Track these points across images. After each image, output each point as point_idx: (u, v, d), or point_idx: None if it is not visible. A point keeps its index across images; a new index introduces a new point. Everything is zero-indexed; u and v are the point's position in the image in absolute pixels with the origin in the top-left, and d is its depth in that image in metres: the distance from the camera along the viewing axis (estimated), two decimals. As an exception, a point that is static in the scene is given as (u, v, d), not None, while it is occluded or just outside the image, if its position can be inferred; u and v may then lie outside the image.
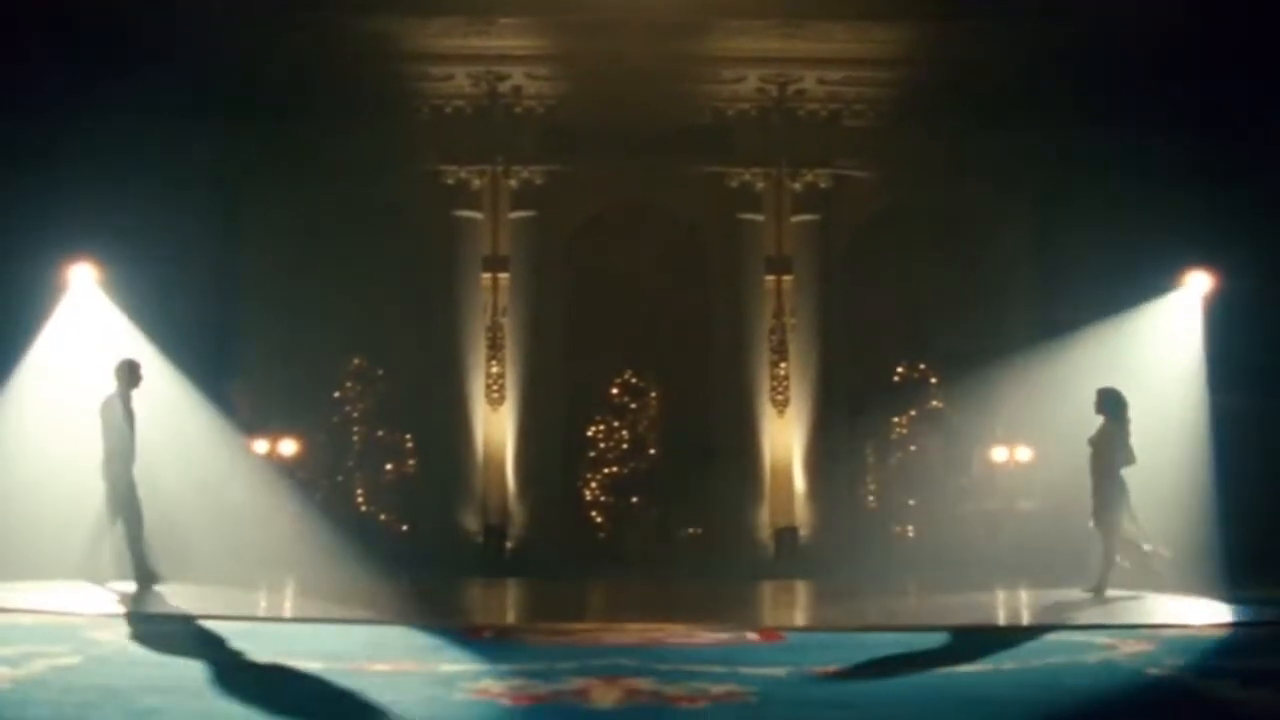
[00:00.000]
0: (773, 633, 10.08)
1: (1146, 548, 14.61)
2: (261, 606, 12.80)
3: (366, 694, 6.97)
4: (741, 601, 14.30)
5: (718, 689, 7.14)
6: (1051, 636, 10.25)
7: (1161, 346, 18.86)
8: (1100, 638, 9.81)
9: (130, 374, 15.04)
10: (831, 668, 8.02)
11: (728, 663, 8.11)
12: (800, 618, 13.02)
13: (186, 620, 11.00)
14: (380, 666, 7.96)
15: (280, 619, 11.29)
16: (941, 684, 7.72)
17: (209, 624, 10.48)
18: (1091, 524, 14.93)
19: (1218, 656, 9.19)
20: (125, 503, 14.68)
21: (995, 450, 20.49)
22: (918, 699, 7.26)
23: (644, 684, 7.26)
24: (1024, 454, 20.18)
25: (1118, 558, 14.71)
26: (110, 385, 14.95)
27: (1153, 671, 8.26)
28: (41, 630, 9.85)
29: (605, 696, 6.87)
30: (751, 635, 9.89)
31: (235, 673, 7.94)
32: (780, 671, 7.82)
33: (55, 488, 15.61)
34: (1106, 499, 14.71)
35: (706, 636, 9.75)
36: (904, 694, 7.41)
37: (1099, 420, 14.97)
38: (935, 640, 9.87)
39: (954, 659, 8.79)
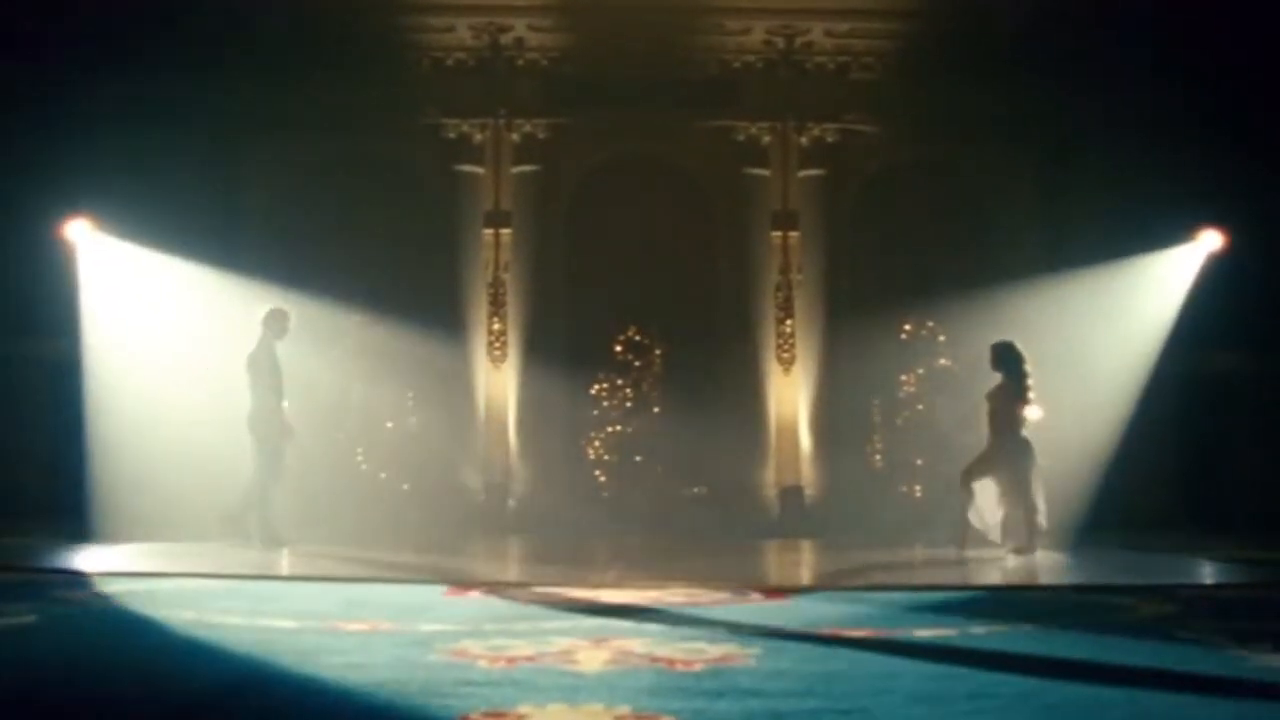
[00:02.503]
0: (777, 592, 9.36)
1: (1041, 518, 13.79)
2: (243, 564, 12.03)
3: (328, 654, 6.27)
4: (745, 561, 13.58)
5: (716, 650, 6.47)
6: (1066, 596, 9.52)
7: (1167, 302, 18.48)
8: (1118, 598, 9.10)
9: (279, 323, 14.51)
10: (837, 629, 7.31)
11: (728, 623, 7.43)
12: (805, 576, 12.27)
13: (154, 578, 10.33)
14: (356, 626, 7.28)
15: (256, 577, 10.53)
16: (959, 644, 7.01)
17: (181, 583, 9.77)
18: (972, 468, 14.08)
19: (1247, 619, 8.47)
20: (275, 458, 14.21)
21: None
22: (931, 659, 6.56)
23: (636, 645, 6.58)
24: (1034, 412, 19.38)
25: (985, 517, 13.98)
26: (257, 335, 14.53)
27: (1183, 635, 7.55)
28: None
29: (592, 659, 6.18)
30: (755, 595, 9.17)
31: (192, 632, 7.25)
32: (783, 631, 7.12)
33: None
34: (1003, 459, 13.88)
35: (707, 596, 9.06)
36: (917, 654, 6.69)
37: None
38: (946, 599, 9.17)
39: (968, 618, 8.07)
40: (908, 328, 20.56)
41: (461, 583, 9.71)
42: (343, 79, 19.48)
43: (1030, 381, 14.11)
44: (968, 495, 13.82)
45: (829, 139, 20.49)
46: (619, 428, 20.53)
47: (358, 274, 19.43)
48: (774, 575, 12.11)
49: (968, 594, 9.72)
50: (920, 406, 20.51)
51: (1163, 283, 18.67)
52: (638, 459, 20.39)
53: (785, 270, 20.23)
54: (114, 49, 18.86)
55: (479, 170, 20.26)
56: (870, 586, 10.33)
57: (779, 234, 20.35)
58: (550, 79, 20.38)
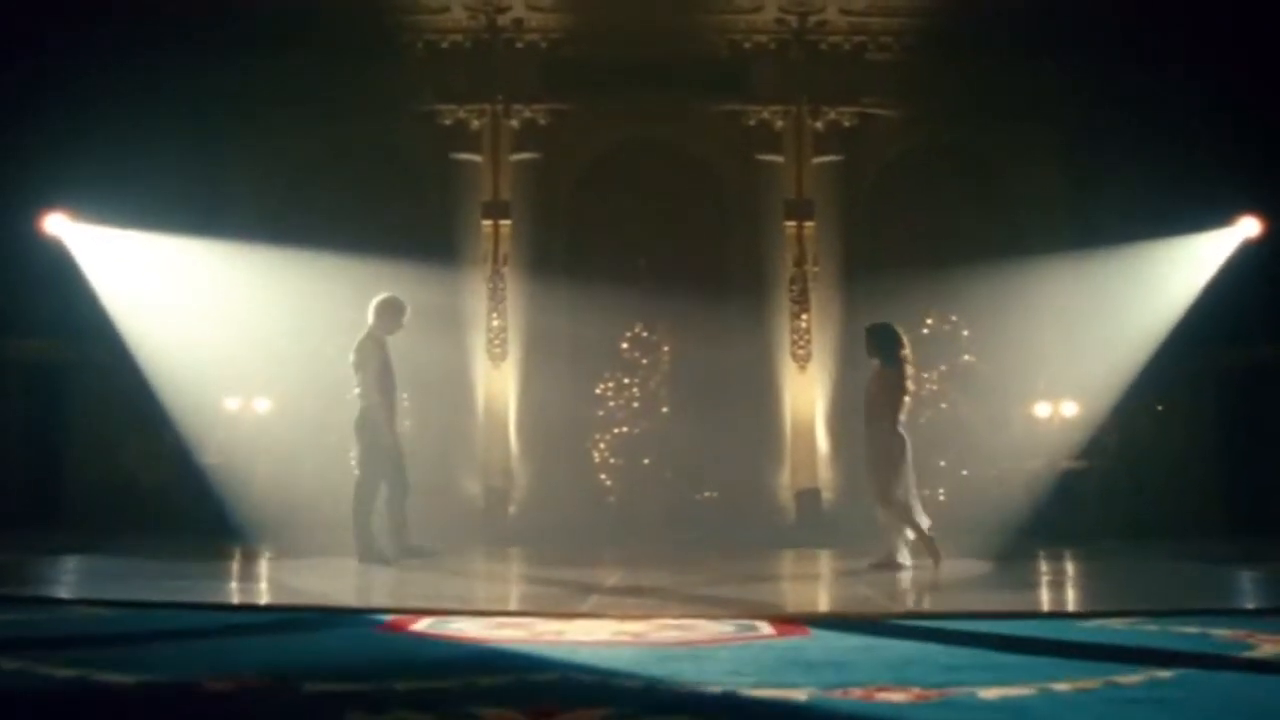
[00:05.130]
0: (792, 623, 7.01)
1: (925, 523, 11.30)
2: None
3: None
4: (757, 576, 11.13)
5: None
6: (1144, 627, 7.15)
7: (1201, 291, 16.66)
8: (1219, 629, 6.78)
9: (392, 313, 12.12)
10: (870, 689, 4.96)
11: (728, 677, 5.13)
12: (824, 599, 9.84)
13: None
14: (218, 686, 4.95)
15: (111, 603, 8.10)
16: (1044, 713, 4.68)
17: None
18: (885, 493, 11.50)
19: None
20: (385, 465, 11.79)
21: (1038, 406, 17.73)
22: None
23: (587, 725, 4.26)
24: (1070, 409, 17.37)
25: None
26: (366, 325, 12.16)
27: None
28: None
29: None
30: (765, 627, 6.83)
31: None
32: (800, 695, 4.81)
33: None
34: (880, 458, 11.29)
35: (704, 630, 6.74)
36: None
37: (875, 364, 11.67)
38: (1002, 630, 6.86)
39: (1040, 662, 5.76)
40: (929, 322, 18.49)
41: (408, 610, 7.37)
42: (332, 62, 17.80)
43: (910, 369, 11.61)
44: (892, 510, 11.37)
45: (845, 123, 18.68)
46: (626, 429, 18.63)
47: (348, 269, 17.16)
48: (788, 598, 9.67)
49: (1023, 622, 7.37)
50: (943, 405, 18.43)
51: (1198, 270, 16.81)
52: (645, 462, 18.51)
53: (800, 262, 18.41)
54: (93, 28, 16.92)
55: (476, 158, 18.46)
56: (907, 615, 7.97)
57: (793, 224, 18.54)
58: (550, 62, 18.54)
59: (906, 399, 11.50)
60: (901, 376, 11.40)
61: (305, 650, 6.18)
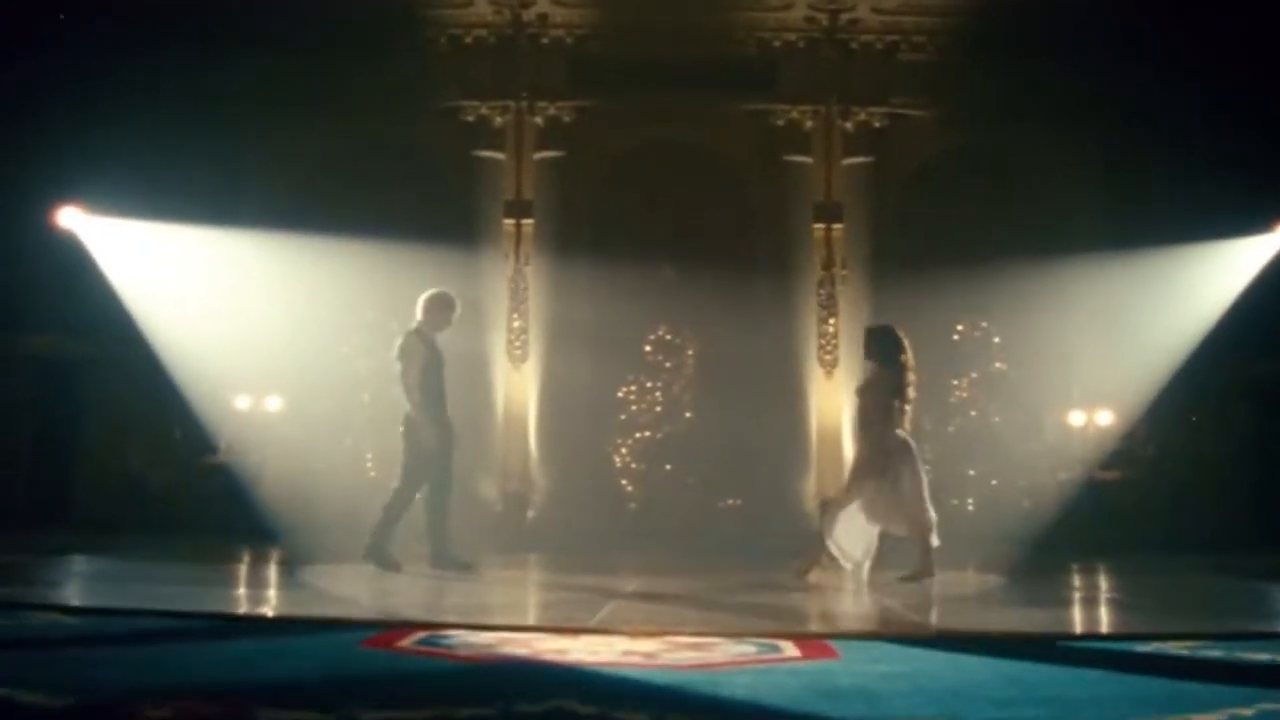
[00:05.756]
0: (819, 644, 6.26)
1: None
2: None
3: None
4: (780, 586, 10.35)
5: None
6: (1194, 647, 6.38)
7: (1238, 300, 16.11)
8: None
9: (441, 309, 11.39)
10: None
11: (748, 710, 4.40)
12: (853, 615, 9.03)
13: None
14: (156, 713, 4.23)
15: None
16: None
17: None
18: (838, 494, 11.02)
19: None
20: (430, 469, 10.95)
21: (1070, 415, 17.05)
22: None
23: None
24: (1105, 417, 16.65)
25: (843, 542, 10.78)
26: (413, 321, 11.41)
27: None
28: None
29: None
30: (788, 648, 6.09)
31: None
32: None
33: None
34: (876, 465, 10.60)
35: (722, 650, 6.01)
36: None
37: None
38: (1048, 655, 6.11)
39: (1096, 689, 5.01)
40: (960, 328, 17.95)
41: (401, 624, 6.64)
42: (353, 57, 17.07)
43: (911, 376, 10.94)
44: (829, 520, 10.70)
45: (876, 124, 17.85)
46: (648, 433, 17.86)
47: (367, 267, 16.54)
48: (813, 613, 8.87)
49: (1074, 645, 6.61)
50: (973, 413, 17.82)
51: (1234, 277, 16.32)
52: (668, 467, 17.78)
53: (828, 265, 17.61)
54: (110, 22, 16.29)
55: (499, 156, 17.68)
56: (944, 635, 7.20)
57: (821, 226, 17.70)
58: (576, 58, 17.76)
59: (907, 406, 10.87)
60: (901, 382, 10.77)
61: (272, 668, 5.49)
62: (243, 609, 8.08)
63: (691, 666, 5.54)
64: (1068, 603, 9.66)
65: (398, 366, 11.09)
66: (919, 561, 10.58)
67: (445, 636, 6.23)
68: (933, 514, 10.78)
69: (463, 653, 5.78)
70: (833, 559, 10.75)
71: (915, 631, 7.11)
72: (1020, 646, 6.40)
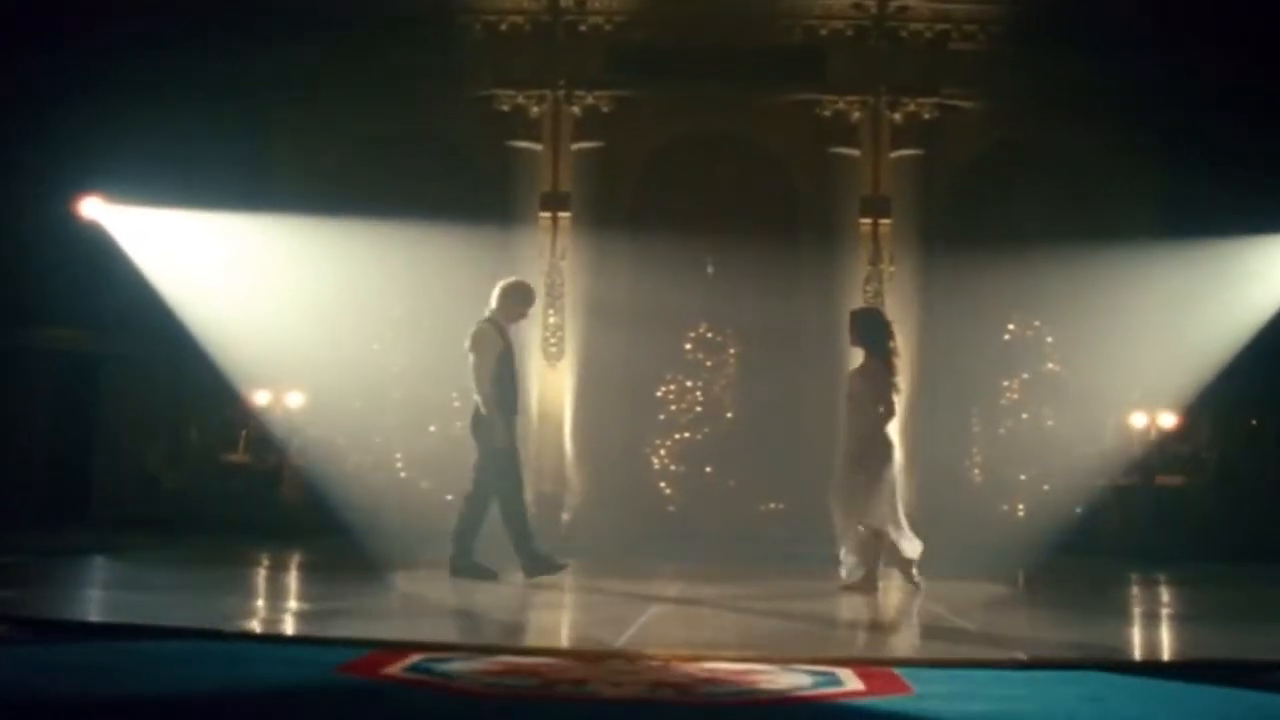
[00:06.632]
0: (885, 675, 5.18)
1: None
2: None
3: None
4: (830, 604, 9.24)
5: None
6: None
7: None
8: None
9: (519, 298, 10.45)
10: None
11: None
12: (918, 635, 7.82)
13: None
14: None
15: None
16: None
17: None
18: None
19: None
20: (502, 470, 9.98)
21: (1134, 416, 16.16)
22: None
23: None
24: (1162, 420, 15.72)
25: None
26: (487, 310, 10.40)
27: None
28: None
29: None
30: (850, 679, 5.03)
31: None
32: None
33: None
34: (862, 457, 9.65)
35: (773, 683, 4.97)
36: None
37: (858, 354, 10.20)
38: (1162, 687, 5.06)
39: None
40: (1011, 327, 17.22)
41: (388, 644, 5.60)
42: (385, 45, 16.53)
43: (898, 362, 10.14)
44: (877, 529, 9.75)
45: (925, 115, 17.12)
46: (687, 434, 17.17)
47: (398, 262, 16.01)
48: (873, 630, 7.69)
49: (1187, 673, 5.55)
50: (1025, 416, 17.04)
51: None
52: (708, 470, 17.09)
53: (875, 261, 16.94)
54: (139, 10, 15.53)
55: (536, 147, 17.06)
56: (1032, 663, 5.96)
57: (868, 221, 17.05)
58: (615, 46, 17.11)
59: (898, 397, 10.09)
60: (890, 370, 9.90)
61: (229, 697, 4.46)
62: (225, 625, 6.88)
63: (734, 703, 4.53)
64: (1155, 618, 8.60)
65: (471, 358, 10.16)
66: (867, 571, 9.78)
67: (445, 660, 5.21)
68: (904, 522, 9.89)
69: (460, 684, 4.77)
70: (908, 571, 9.75)
71: (995, 658, 5.94)
72: (1124, 676, 5.33)
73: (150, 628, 6.26)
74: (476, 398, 10.09)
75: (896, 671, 5.19)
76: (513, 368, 10.33)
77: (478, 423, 10.05)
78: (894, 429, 10.10)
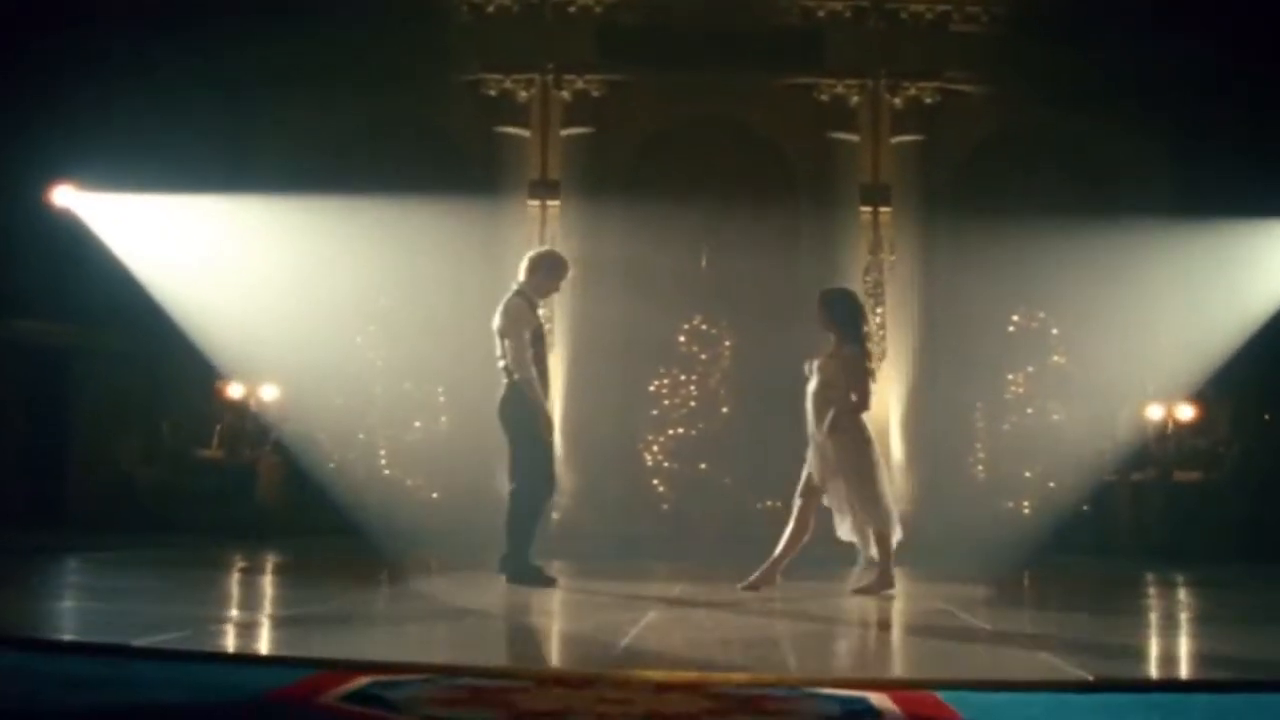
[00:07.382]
0: (925, 699, 4.29)
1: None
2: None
3: None
4: (841, 609, 8.34)
5: None
6: None
7: None
8: None
9: (551, 270, 9.42)
10: None
11: None
12: (948, 650, 6.65)
13: None
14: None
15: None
16: None
17: None
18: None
19: None
20: (528, 460, 8.95)
21: (1149, 409, 15.67)
22: None
23: None
24: (1186, 412, 15.21)
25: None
26: (514, 284, 9.30)
27: None
28: None
29: None
30: (886, 707, 4.13)
31: None
32: None
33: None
34: (847, 449, 9.04)
35: (792, 711, 4.08)
36: None
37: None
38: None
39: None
40: (1016, 319, 16.75)
41: (340, 667, 4.68)
42: (368, 28, 16.10)
43: (870, 346, 9.61)
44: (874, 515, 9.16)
45: (926, 100, 16.69)
46: (681, 430, 16.71)
47: (381, 251, 15.55)
48: (897, 645, 6.69)
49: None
50: (1030, 410, 16.59)
51: None
52: (703, 466, 16.61)
53: (875, 251, 16.57)
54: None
55: (524, 133, 16.62)
56: (1101, 684, 4.86)
57: (868, 209, 16.62)
58: (606, 29, 16.65)
59: (873, 385, 9.39)
60: (864, 356, 9.24)
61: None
62: (123, 637, 5.69)
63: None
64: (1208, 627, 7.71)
65: (500, 334, 8.97)
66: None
67: (390, 687, 4.29)
68: (892, 506, 9.30)
69: (407, 713, 3.86)
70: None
71: (1060, 679, 4.96)
72: (1193, 696, 4.47)
73: (44, 642, 5.33)
74: (509, 377, 8.89)
75: (940, 696, 4.29)
76: (543, 349, 9.27)
77: (512, 404, 8.88)
78: (867, 418, 9.30)
